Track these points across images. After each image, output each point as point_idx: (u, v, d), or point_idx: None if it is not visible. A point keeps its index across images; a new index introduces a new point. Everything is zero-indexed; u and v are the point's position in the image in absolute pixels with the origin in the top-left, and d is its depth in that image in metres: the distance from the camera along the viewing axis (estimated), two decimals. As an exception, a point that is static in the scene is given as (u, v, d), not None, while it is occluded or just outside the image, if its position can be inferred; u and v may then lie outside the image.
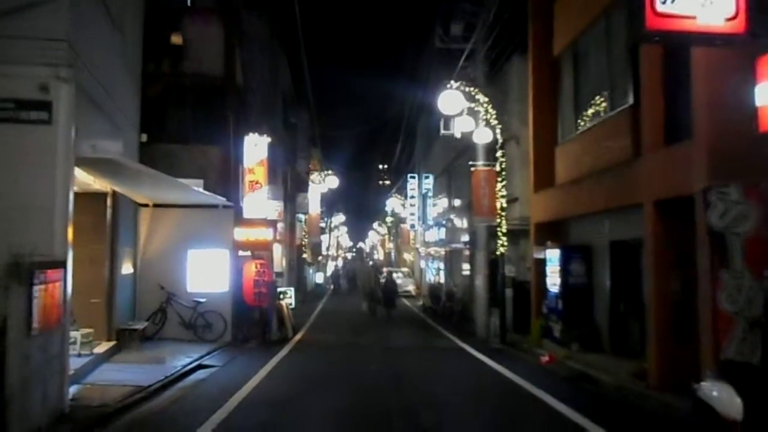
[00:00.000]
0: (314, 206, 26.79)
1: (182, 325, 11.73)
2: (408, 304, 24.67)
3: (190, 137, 12.49)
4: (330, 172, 26.85)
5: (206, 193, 11.21)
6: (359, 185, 57.50)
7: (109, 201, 10.07)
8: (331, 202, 39.44)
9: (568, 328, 10.07)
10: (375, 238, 75.27)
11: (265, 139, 12.65)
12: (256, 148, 12.61)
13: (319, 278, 39.64)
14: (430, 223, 28.57)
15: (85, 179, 9.18)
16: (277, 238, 21.12)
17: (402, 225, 35.37)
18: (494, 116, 12.81)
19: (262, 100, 17.61)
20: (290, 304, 17.81)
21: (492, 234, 14.12)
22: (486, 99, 12.83)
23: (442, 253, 23.56)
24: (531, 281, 12.46)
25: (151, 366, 8.89)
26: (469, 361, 10.66)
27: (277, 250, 22.70)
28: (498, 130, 12.90)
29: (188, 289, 11.96)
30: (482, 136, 13.09)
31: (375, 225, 64.85)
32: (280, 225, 22.49)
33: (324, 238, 40.74)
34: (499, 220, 12.71)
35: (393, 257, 45.82)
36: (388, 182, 57.78)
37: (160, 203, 12.01)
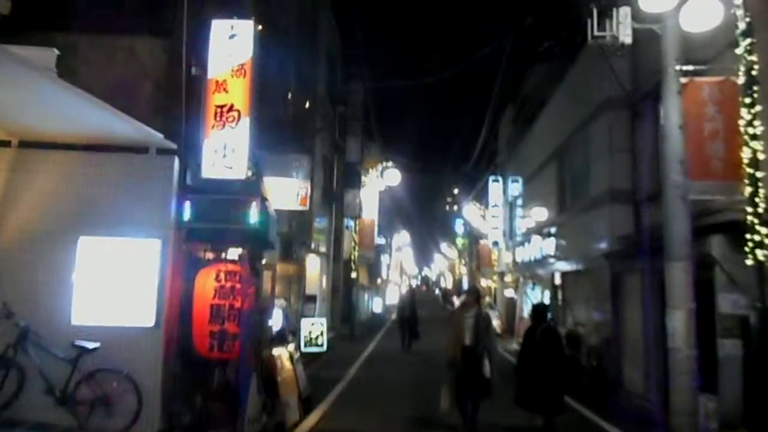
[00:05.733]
0: (369, 210, 20.37)
1: (50, 394, 5.42)
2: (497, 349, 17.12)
3: (110, 23, 6.33)
4: (390, 164, 20.45)
5: (111, 110, 4.95)
6: (425, 200, 50.78)
7: None
8: (390, 213, 32.98)
9: None
10: (442, 264, 68.06)
11: (250, 25, 6.30)
12: (231, 42, 6.28)
13: (376, 306, 33.07)
14: (519, 238, 21.48)
15: None
16: (315, 246, 14.84)
17: (481, 242, 28.27)
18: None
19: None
20: (319, 344, 11.31)
21: (704, 228, 7.08)
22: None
23: (551, 275, 16.38)
24: None
25: None
26: None
27: (314, 264, 16.39)
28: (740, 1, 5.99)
29: (72, 320, 5.69)
30: (699, 17, 6.20)
31: (443, 248, 57.82)
32: (320, 224, 16.23)
33: (384, 258, 34.27)
34: (751, 188, 5.69)
35: (465, 284, 38.56)
36: (456, 207, 50.92)
37: (32, 140, 5.87)
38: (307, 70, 13.99)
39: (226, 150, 6.17)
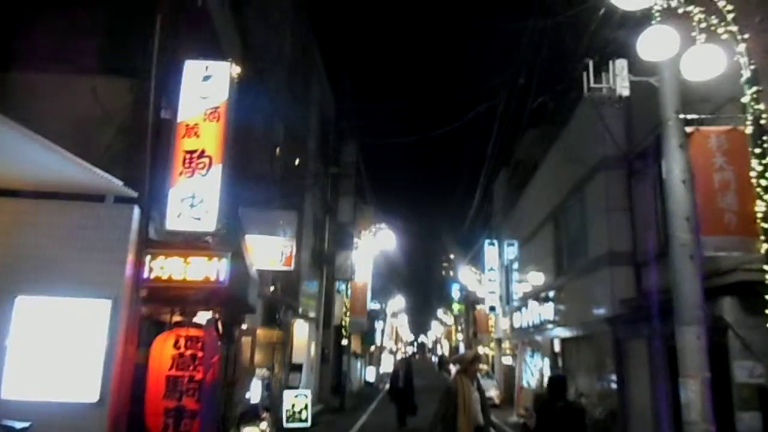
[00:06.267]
0: (362, 273, 19.64)
1: (-34, 487, 4.60)
2: (494, 420, 15.69)
3: (72, 60, 5.95)
4: (384, 226, 19.88)
5: (61, 153, 4.45)
6: (421, 264, 50.09)
7: None
8: (385, 277, 32.19)
9: None
10: (439, 330, 66.42)
11: (227, 67, 5.93)
12: (205, 84, 5.88)
13: (370, 375, 31.65)
14: (516, 303, 20.77)
15: None
16: (304, 311, 14.04)
17: (478, 308, 27.37)
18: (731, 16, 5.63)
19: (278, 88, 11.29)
20: (303, 418, 10.36)
21: (714, 290, 6.52)
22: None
23: (551, 342, 15.51)
24: None
25: None
26: None
27: (302, 330, 15.57)
28: (743, 47, 5.65)
29: (2, 393, 4.94)
30: (700, 66, 5.84)
31: (439, 313, 56.52)
32: (309, 288, 15.50)
33: (378, 325, 33.12)
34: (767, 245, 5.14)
35: (462, 351, 37.23)
36: (452, 272, 50.29)
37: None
38: (298, 127, 13.74)
39: (194, 200, 5.62)
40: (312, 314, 16.22)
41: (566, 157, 13.67)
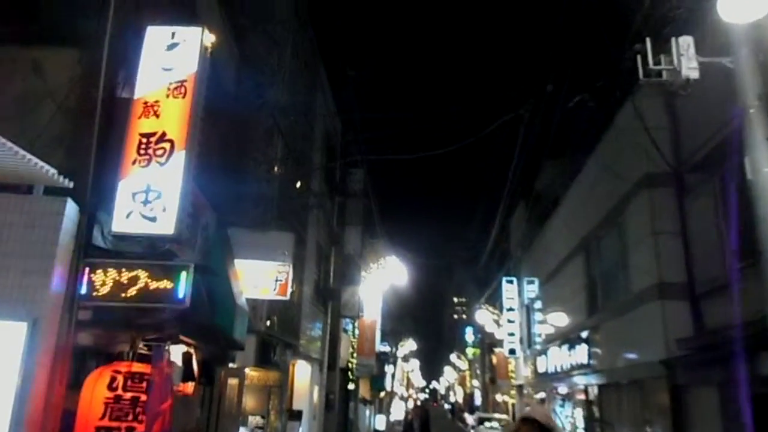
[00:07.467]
0: (370, 310, 18.08)
1: None
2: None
3: (13, 29, 4.79)
4: (393, 257, 18.36)
5: None
6: (433, 305, 48.17)
7: None
8: (395, 318, 30.48)
9: None
10: (452, 376, 63.71)
11: (198, 33, 4.73)
12: (170, 54, 4.67)
13: (379, 423, 29.57)
14: (539, 347, 19.13)
15: None
16: (305, 350, 12.53)
17: (496, 351, 25.50)
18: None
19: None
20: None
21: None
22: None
23: (584, 389, 13.73)
24: None
25: None
26: None
27: (303, 372, 14.00)
28: None
29: None
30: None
31: (452, 358, 54.13)
32: (311, 330, 14.03)
33: (388, 369, 31.23)
34: None
35: (477, 398, 34.96)
36: (465, 315, 48.38)
37: None
38: (300, 144, 12.59)
39: (149, 195, 4.32)
40: (315, 354, 14.69)
41: (601, 177, 12.32)
